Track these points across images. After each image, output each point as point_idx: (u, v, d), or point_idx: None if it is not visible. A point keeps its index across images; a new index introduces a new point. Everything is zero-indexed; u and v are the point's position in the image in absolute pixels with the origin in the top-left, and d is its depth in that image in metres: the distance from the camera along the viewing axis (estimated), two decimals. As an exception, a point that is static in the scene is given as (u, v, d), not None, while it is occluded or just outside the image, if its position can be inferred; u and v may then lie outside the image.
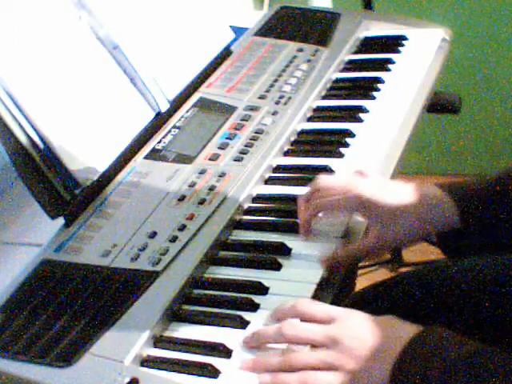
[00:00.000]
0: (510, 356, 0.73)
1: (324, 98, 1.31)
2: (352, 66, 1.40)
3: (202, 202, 1.02)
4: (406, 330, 0.77)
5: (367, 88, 1.31)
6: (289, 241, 0.97)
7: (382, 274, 2.17)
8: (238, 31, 1.45)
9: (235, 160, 1.11)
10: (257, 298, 0.88)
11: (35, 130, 1.01)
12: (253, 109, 1.24)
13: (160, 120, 1.21)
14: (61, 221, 1.02)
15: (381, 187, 0.95)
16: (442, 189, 0.94)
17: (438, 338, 0.76)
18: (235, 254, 0.97)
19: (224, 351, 0.81)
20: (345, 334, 0.78)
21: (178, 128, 1.20)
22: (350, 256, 0.95)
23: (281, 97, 1.27)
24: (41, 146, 1.02)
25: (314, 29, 1.49)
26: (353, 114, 1.24)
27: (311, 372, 0.77)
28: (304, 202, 0.98)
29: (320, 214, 0.97)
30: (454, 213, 0.93)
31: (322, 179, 0.98)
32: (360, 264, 2.09)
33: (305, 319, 0.81)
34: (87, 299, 0.89)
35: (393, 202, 0.93)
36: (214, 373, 0.79)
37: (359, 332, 0.78)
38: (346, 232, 0.98)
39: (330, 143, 1.17)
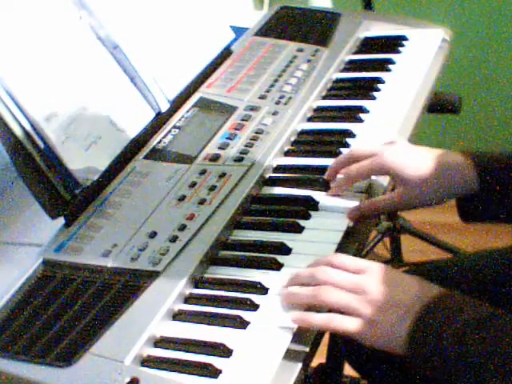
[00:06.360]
0: None
1: (324, 98, 1.31)
2: (352, 66, 1.40)
3: (202, 201, 1.02)
4: (429, 290, 0.82)
5: (367, 88, 1.31)
6: (289, 241, 0.97)
7: (382, 274, 2.17)
8: (238, 31, 1.45)
9: (235, 160, 1.11)
10: (257, 298, 0.88)
11: (35, 129, 1.01)
12: (253, 109, 1.24)
13: (160, 120, 1.21)
14: (61, 221, 1.02)
15: (406, 154, 1.01)
16: (464, 156, 0.99)
17: (457, 301, 0.80)
18: (235, 253, 0.97)
19: (224, 351, 0.81)
20: (372, 284, 0.83)
21: (178, 128, 1.20)
22: (374, 207, 1.01)
23: (281, 97, 1.27)
24: (41, 145, 1.02)
25: (314, 29, 1.49)
26: (353, 114, 1.24)
27: (337, 314, 0.82)
28: (335, 165, 1.06)
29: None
30: (473, 178, 0.98)
31: (354, 148, 1.08)
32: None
33: (337, 268, 0.86)
34: (87, 299, 0.89)
35: (417, 167, 0.99)
36: (214, 372, 0.79)
37: (386, 285, 0.83)
38: (367, 188, 1.05)
39: (330, 143, 1.17)
